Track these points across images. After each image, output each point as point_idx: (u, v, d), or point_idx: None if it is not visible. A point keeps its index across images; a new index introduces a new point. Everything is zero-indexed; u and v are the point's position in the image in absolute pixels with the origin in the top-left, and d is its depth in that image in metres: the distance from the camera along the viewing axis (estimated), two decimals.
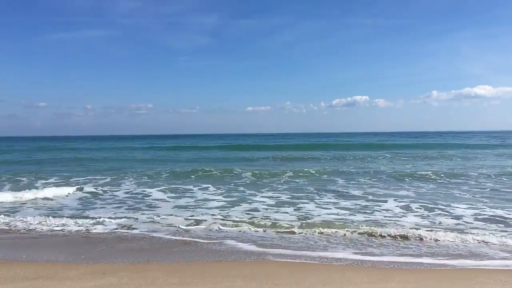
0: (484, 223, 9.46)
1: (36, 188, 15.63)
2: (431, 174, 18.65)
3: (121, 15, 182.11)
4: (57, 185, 16.42)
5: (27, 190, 14.34)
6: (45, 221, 9.79)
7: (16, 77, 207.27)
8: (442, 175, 18.41)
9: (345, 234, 8.45)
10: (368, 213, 10.83)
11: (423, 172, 19.37)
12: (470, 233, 8.43)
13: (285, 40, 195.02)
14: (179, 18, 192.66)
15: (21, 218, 10.17)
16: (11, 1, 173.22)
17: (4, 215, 10.65)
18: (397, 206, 11.69)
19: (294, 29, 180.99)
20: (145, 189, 15.38)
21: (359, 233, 8.47)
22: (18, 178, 18.23)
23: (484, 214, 10.39)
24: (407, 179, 17.56)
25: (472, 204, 11.70)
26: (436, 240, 7.96)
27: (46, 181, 17.28)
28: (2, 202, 12.35)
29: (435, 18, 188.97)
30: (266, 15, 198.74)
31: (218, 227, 9.15)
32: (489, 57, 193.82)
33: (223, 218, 10.12)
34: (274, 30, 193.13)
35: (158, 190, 15.14)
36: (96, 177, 18.73)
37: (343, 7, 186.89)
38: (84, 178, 18.43)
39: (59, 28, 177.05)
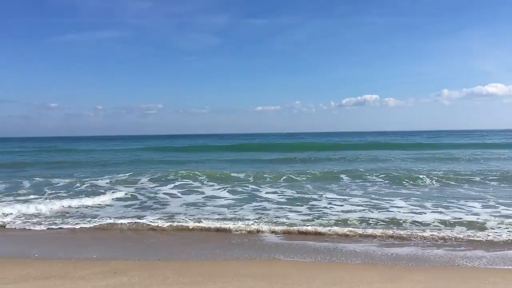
0: (499, 222, 9.29)
1: (50, 188, 15.80)
2: (443, 173, 18.42)
3: (131, 16, 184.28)
4: (70, 186, 16.57)
5: (42, 191, 14.51)
6: (55, 221, 9.93)
7: (28, 78, 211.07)
8: (454, 175, 18.14)
9: (359, 233, 8.38)
10: (383, 210, 10.76)
11: (435, 171, 19.16)
12: (482, 231, 8.32)
13: (294, 40, 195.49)
14: (189, 19, 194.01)
15: (33, 218, 10.34)
16: (22, 3, 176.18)
17: (18, 213, 10.85)
18: (410, 204, 11.58)
19: (303, 28, 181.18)
20: (157, 188, 15.60)
21: (373, 232, 8.40)
22: (33, 179, 18.40)
23: (500, 213, 10.23)
24: (419, 178, 17.33)
25: (486, 203, 11.54)
26: (447, 239, 7.88)
27: (60, 182, 17.44)
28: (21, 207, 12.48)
29: (445, 16, 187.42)
30: (275, 14, 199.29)
31: (228, 226, 9.15)
32: (500, 55, 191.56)
33: (233, 216, 10.15)
34: (283, 29, 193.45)
35: (170, 189, 15.32)
36: (108, 177, 18.86)
37: (352, 6, 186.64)
38: (97, 178, 18.60)
39: (70, 30, 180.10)
